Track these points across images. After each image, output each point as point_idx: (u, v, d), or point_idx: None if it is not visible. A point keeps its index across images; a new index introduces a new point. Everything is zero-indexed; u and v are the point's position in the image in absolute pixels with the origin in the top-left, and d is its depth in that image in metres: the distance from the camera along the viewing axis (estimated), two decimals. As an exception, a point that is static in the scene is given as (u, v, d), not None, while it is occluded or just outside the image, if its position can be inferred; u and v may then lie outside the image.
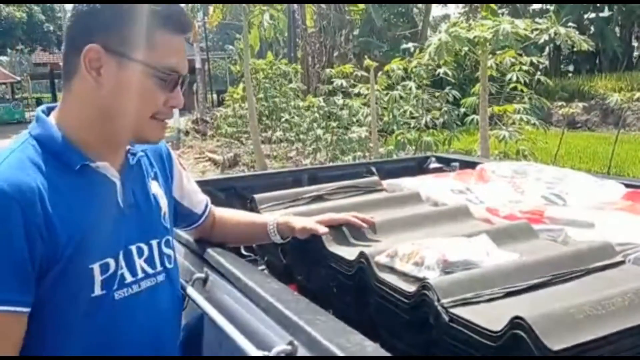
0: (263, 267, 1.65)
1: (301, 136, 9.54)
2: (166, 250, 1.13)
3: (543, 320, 0.84)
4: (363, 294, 1.20)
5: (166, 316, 1.13)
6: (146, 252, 1.08)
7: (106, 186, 1.03)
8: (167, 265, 1.13)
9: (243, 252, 1.71)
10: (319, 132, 8.22)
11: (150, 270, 1.08)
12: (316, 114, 8.63)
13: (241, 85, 11.77)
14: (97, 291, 0.99)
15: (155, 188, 1.14)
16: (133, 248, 1.05)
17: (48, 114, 1.04)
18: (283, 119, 10.10)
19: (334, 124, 7.93)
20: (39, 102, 25.51)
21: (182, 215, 1.29)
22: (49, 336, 0.97)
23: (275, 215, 1.42)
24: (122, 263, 1.03)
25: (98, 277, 0.98)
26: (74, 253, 0.95)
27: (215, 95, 23.23)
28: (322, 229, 1.31)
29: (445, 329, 0.95)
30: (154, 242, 1.10)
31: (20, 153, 0.96)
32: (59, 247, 0.93)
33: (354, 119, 7.69)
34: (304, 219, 1.36)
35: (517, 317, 0.84)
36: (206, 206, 1.34)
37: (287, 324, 0.95)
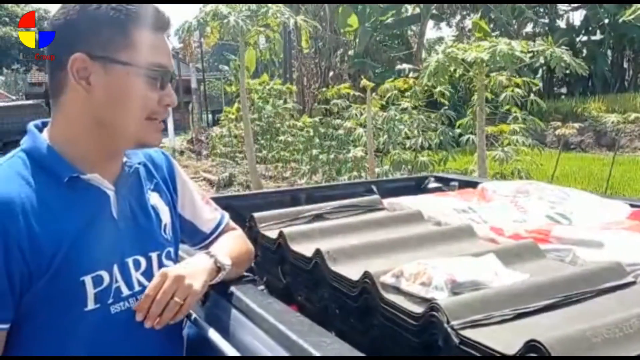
0: (262, 287, 1.61)
1: (296, 156, 9.53)
2: (167, 263, 1.09)
3: (559, 343, 0.81)
4: (367, 316, 1.16)
5: (167, 330, 1.09)
6: (144, 265, 1.05)
7: (98, 198, 1.01)
8: None
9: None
10: (315, 152, 8.22)
11: (147, 284, 1.04)
12: (311, 134, 8.63)
13: (236, 105, 11.79)
14: (91, 305, 0.96)
15: (155, 199, 1.11)
16: (129, 261, 1.03)
17: (42, 128, 1.03)
18: (279, 139, 10.09)
19: (332, 143, 7.93)
20: (33, 121, 25.49)
21: (185, 231, 1.23)
22: (42, 350, 0.95)
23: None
24: (118, 276, 1.00)
25: (91, 290, 0.96)
26: (61, 266, 0.93)
27: (210, 115, 23.26)
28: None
29: (455, 352, 0.91)
30: (154, 255, 1.07)
31: (7, 167, 0.96)
32: (45, 261, 0.92)
33: (350, 139, 7.70)
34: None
35: (532, 340, 0.81)
36: (217, 225, 1.26)
37: (290, 347, 0.91)
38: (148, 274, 1.05)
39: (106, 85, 0.97)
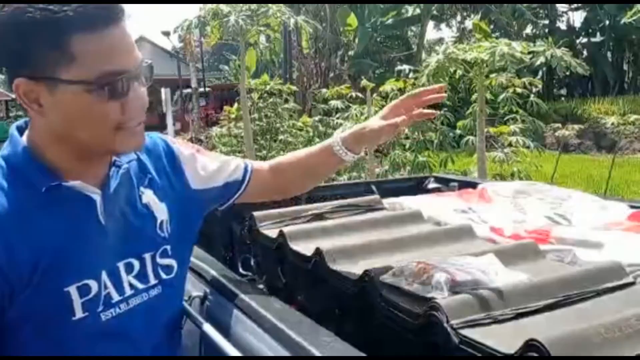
0: (262, 286, 1.61)
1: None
2: (163, 261, 1.05)
3: (559, 343, 0.81)
4: (367, 315, 1.16)
5: (164, 331, 1.07)
6: (137, 267, 1.01)
7: (83, 205, 0.95)
8: (164, 276, 1.05)
9: (241, 271, 1.67)
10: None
11: (140, 286, 1.01)
12: (311, 134, 8.64)
13: (235, 104, 11.79)
14: (79, 314, 0.93)
15: (149, 197, 1.05)
16: (120, 265, 0.99)
17: (25, 129, 0.98)
18: (279, 139, 10.09)
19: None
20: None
21: (216, 195, 1.18)
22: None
23: (337, 134, 1.26)
24: (107, 283, 0.96)
25: (77, 300, 0.92)
26: (44, 278, 0.89)
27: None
28: (400, 119, 1.15)
29: (455, 351, 0.92)
30: (147, 255, 1.03)
31: None
32: (25, 274, 0.88)
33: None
34: (372, 124, 1.20)
35: (532, 340, 0.81)
36: (245, 169, 1.21)
37: (290, 346, 0.92)
38: (142, 276, 1.02)
39: (57, 107, 0.87)
